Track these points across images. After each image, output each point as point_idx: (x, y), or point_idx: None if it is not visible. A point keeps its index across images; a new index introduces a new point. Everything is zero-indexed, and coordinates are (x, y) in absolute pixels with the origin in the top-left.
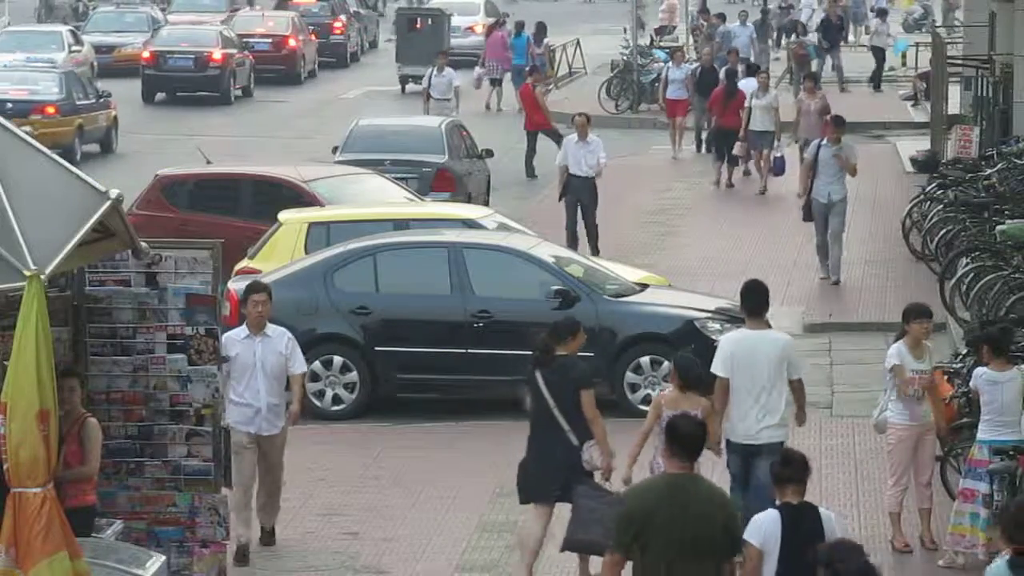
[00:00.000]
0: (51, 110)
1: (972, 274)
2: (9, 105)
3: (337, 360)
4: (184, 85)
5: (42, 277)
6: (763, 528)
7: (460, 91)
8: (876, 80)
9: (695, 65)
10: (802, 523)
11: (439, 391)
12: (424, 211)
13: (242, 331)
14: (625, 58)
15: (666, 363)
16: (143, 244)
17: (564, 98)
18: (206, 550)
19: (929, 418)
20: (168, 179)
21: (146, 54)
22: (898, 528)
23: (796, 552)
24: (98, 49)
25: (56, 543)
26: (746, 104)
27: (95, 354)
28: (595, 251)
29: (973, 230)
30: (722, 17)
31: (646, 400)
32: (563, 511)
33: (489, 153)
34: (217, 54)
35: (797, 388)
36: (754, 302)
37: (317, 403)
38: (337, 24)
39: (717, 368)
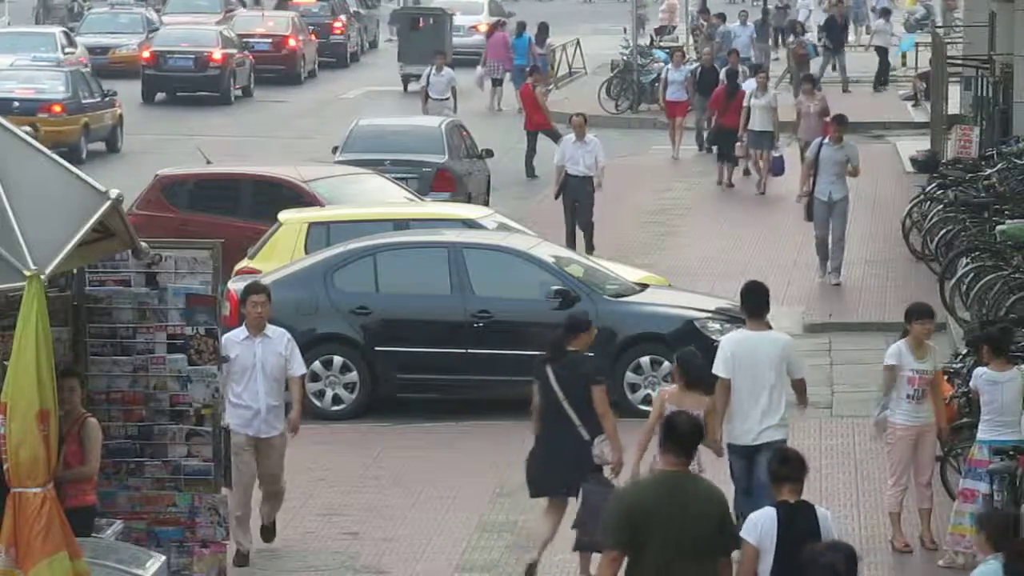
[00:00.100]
0: (57, 109)
1: (972, 274)
2: (16, 104)
3: (337, 360)
4: (184, 85)
5: (42, 277)
6: (759, 526)
7: (459, 91)
8: (882, 79)
9: (695, 65)
10: (798, 521)
11: (439, 391)
12: (424, 211)
13: (241, 332)
14: (625, 58)
15: (666, 363)
16: (143, 244)
17: (564, 98)
18: (206, 550)
19: (930, 418)
20: (168, 179)
21: (146, 54)
22: (898, 528)
23: (792, 550)
24: (92, 50)
25: (56, 543)
26: (745, 104)
27: (95, 354)
28: (590, 248)
29: (973, 230)
30: (722, 17)
31: (646, 400)
32: (573, 507)
33: (489, 153)
34: (217, 54)
35: (799, 387)
36: (754, 303)
37: (317, 403)
38: (337, 24)
39: (718, 369)
